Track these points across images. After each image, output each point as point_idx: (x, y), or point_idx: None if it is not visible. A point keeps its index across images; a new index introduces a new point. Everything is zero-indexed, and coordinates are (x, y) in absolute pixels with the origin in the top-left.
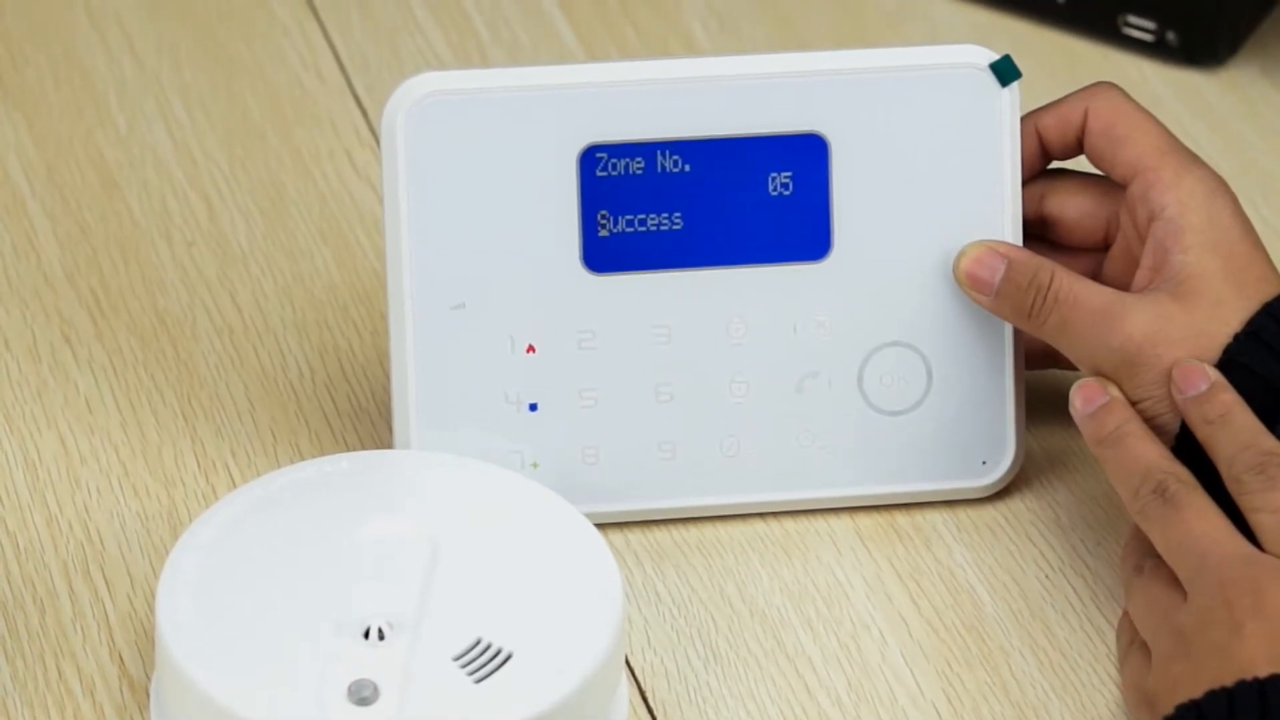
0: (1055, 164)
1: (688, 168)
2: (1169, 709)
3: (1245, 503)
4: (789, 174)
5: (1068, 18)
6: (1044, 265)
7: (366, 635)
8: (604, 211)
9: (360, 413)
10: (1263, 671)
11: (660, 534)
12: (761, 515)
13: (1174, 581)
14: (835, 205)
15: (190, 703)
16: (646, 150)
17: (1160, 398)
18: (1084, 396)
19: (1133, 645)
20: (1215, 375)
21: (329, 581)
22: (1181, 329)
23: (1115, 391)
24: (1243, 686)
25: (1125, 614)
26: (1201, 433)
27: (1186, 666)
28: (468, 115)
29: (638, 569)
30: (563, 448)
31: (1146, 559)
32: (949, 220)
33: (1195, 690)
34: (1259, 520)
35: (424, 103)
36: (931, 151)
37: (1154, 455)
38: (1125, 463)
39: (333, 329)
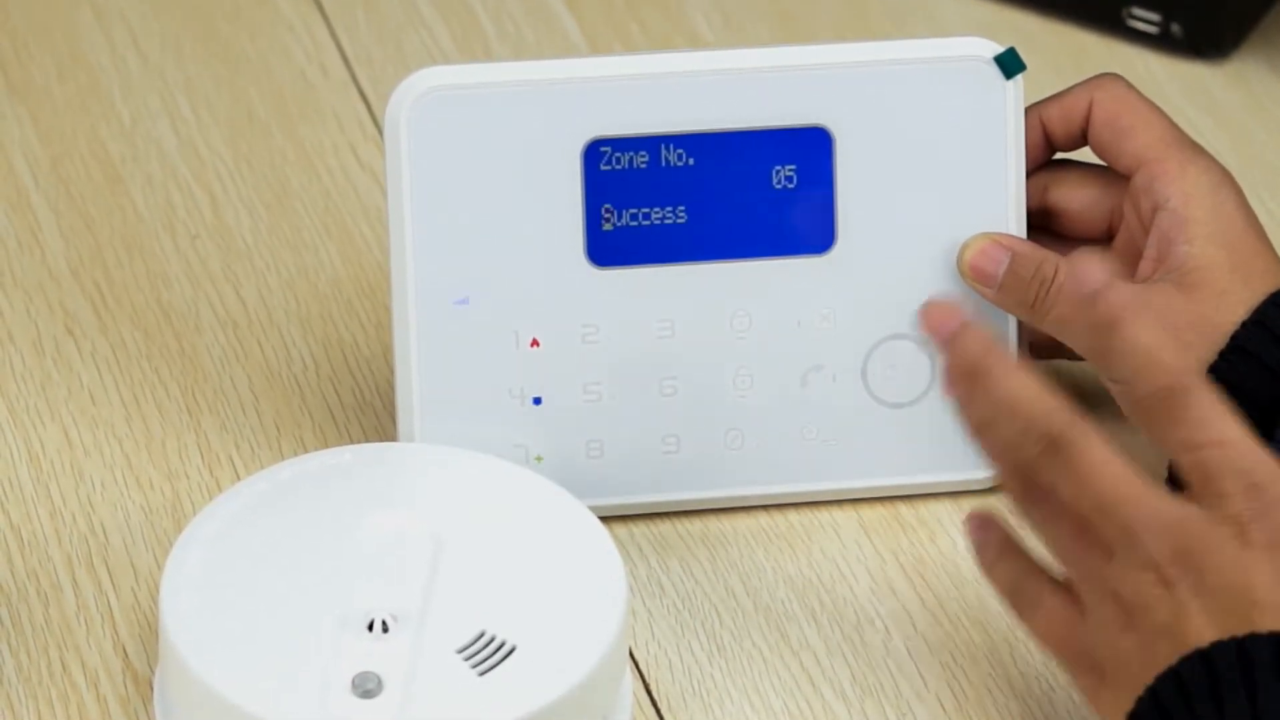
0: (1059, 155)
1: (691, 161)
2: (1126, 685)
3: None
4: (793, 167)
5: (1072, 10)
6: (1048, 258)
7: (370, 628)
8: (608, 205)
9: (364, 406)
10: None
11: (664, 527)
12: (766, 508)
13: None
14: (839, 198)
15: (194, 696)
16: (650, 144)
17: None
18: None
19: (1031, 579)
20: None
21: (333, 574)
22: (1186, 318)
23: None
24: (1185, 663)
25: (998, 547)
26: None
27: (1136, 642)
28: (471, 110)
29: (642, 562)
30: (567, 441)
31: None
32: (953, 213)
33: (1148, 669)
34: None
35: (428, 97)
36: (936, 144)
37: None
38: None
39: (337, 322)
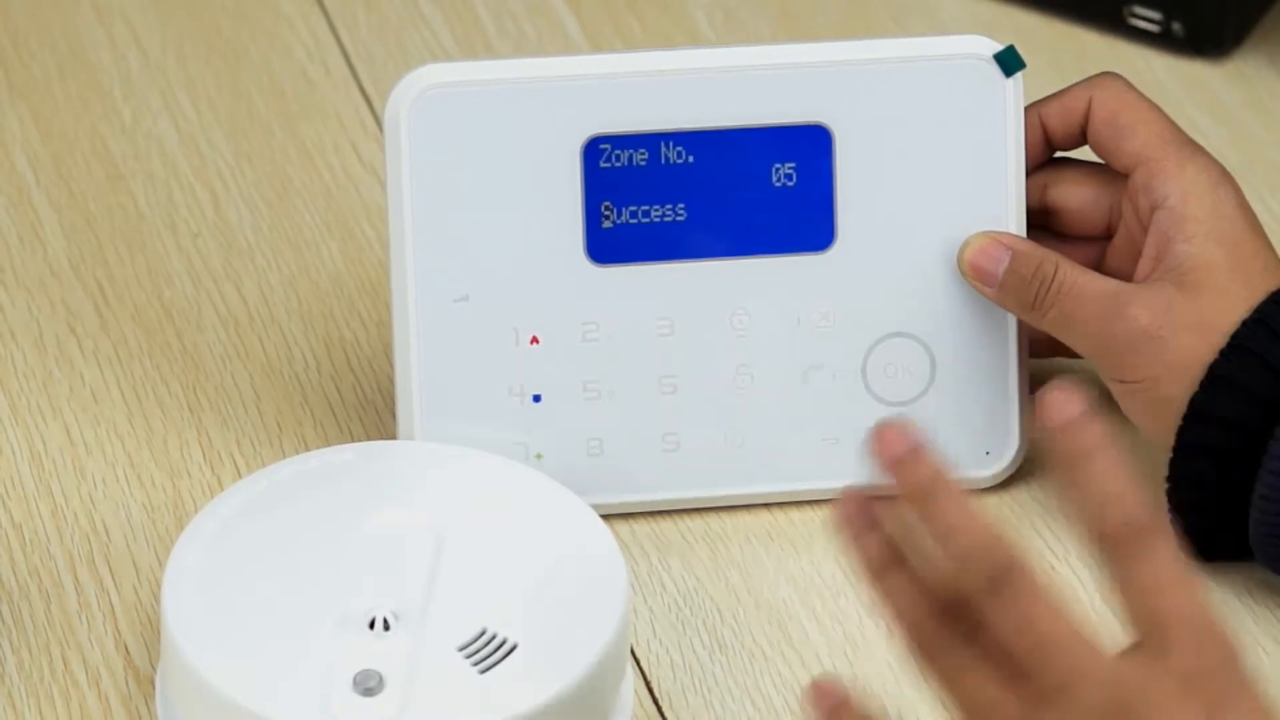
0: (1058, 154)
1: (691, 159)
2: None
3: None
4: (793, 165)
5: (1072, 8)
6: (1048, 257)
7: (372, 626)
8: (607, 203)
9: (365, 404)
10: None
11: (665, 525)
12: (767, 506)
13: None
14: (839, 196)
15: (195, 694)
16: (650, 141)
17: (1163, 382)
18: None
19: None
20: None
21: (334, 572)
22: (1186, 317)
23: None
24: None
25: None
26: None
27: None
28: (471, 107)
29: (643, 560)
30: (567, 439)
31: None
32: (953, 211)
33: None
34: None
35: (428, 95)
36: (935, 142)
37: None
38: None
39: (338, 320)
